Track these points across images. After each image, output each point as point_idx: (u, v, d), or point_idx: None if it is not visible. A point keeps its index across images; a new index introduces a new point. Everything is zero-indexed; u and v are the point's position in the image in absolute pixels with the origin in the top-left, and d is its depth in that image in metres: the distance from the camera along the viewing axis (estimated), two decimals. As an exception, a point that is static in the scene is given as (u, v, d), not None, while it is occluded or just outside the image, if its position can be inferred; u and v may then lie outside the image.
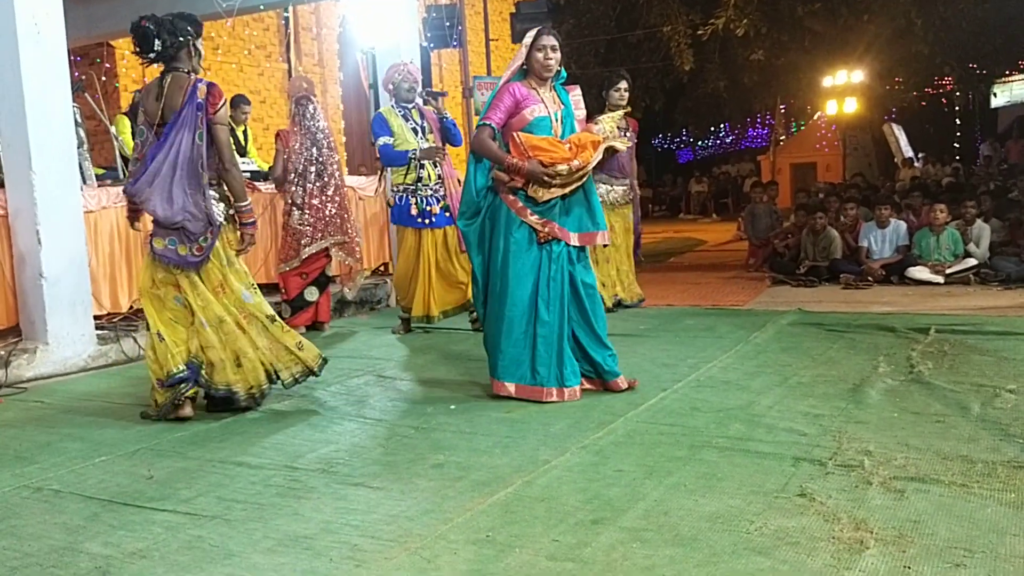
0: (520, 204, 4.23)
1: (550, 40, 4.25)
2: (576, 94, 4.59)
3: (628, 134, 6.78)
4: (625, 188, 6.96)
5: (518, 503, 2.88)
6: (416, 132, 6.13)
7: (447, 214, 6.15)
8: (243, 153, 7.93)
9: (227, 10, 7.32)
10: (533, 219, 4.21)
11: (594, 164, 4.23)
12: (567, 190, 4.21)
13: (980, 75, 18.58)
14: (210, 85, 4.17)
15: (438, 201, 6.17)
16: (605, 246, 4.50)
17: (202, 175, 4.09)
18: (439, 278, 6.23)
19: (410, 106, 6.22)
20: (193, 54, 4.23)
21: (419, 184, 6.13)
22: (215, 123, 4.12)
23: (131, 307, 6.31)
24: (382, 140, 6.10)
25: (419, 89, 6.31)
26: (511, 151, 4.22)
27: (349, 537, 2.66)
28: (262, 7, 9.63)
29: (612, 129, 4.87)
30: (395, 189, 6.24)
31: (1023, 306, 6.37)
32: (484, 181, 4.36)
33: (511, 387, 4.25)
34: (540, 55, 4.23)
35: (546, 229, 4.20)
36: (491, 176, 4.31)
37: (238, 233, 4.29)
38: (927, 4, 14.07)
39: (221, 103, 4.13)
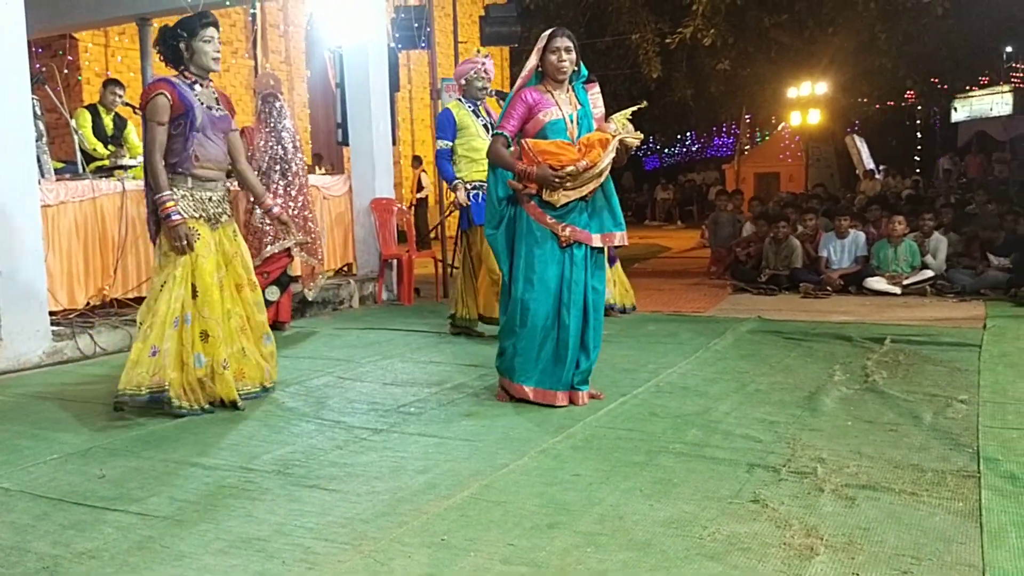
0: (539, 209, 4.19)
1: (564, 42, 4.20)
2: (595, 92, 4.55)
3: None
4: None
5: (474, 506, 2.88)
6: (487, 129, 5.93)
7: None
8: (116, 144, 7.60)
9: (192, 5, 7.22)
10: (552, 223, 4.17)
11: (607, 162, 4.14)
12: (584, 191, 4.17)
13: (941, 90, 18.94)
14: (151, 83, 4.29)
15: None
16: (624, 246, 4.48)
17: (147, 174, 4.22)
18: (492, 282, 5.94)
19: (478, 103, 6.08)
20: (190, 55, 4.23)
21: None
22: (145, 119, 4.18)
23: (88, 303, 6.21)
24: (441, 144, 6.01)
25: (490, 87, 6.16)
26: (522, 159, 4.19)
27: (302, 539, 2.64)
28: (228, 3, 9.54)
29: (624, 125, 4.84)
30: (470, 186, 5.98)
31: (977, 318, 6.50)
32: (504, 190, 4.34)
33: (529, 390, 4.20)
34: (554, 57, 4.19)
35: (567, 232, 4.16)
36: (508, 185, 4.29)
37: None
38: (891, 19, 14.31)
39: (147, 99, 4.15)
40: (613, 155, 4.16)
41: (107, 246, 6.33)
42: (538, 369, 4.20)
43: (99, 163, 7.11)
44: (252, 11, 12.90)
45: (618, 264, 7.09)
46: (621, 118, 4.50)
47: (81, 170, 6.64)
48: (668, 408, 4.10)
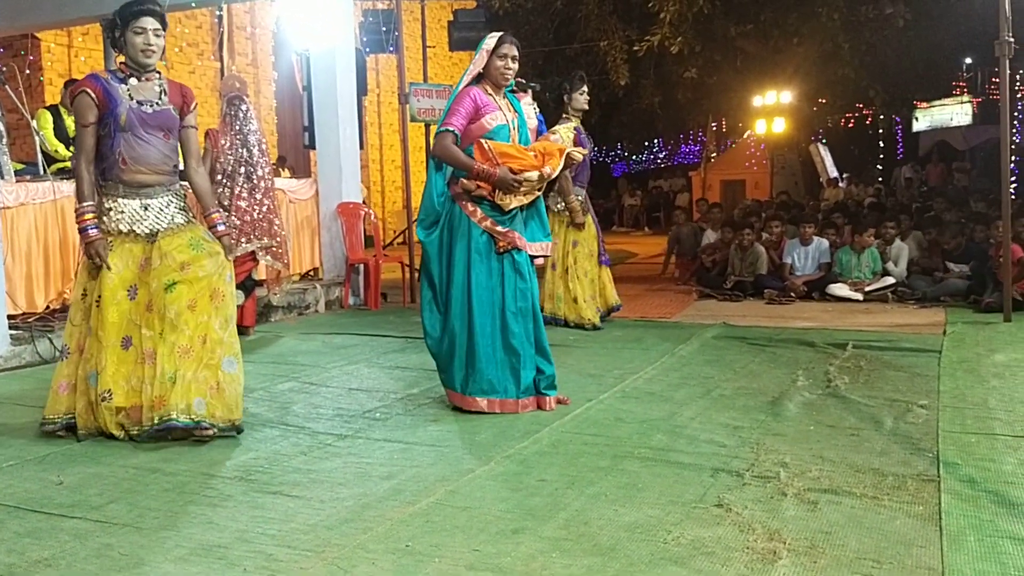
0: (480, 213, 4.16)
1: (512, 50, 4.20)
2: (528, 102, 4.57)
3: (586, 140, 6.80)
4: (582, 198, 6.89)
5: (440, 512, 2.87)
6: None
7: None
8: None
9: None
10: (496, 228, 4.15)
11: (558, 172, 4.21)
12: (529, 199, 4.19)
13: (903, 100, 19.22)
14: (78, 81, 4.03)
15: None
16: (546, 257, 4.45)
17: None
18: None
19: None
20: (123, 45, 3.81)
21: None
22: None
23: (47, 307, 6.11)
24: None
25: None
26: (476, 158, 4.13)
27: (264, 547, 2.61)
28: (194, 4, 9.45)
29: (569, 138, 4.86)
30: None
31: (937, 324, 6.60)
32: (444, 188, 4.25)
33: (483, 402, 4.14)
34: (501, 63, 4.18)
35: (510, 238, 4.16)
36: (457, 184, 4.19)
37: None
38: (854, 30, 14.51)
39: (72, 96, 3.86)
40: (562, 167, 4.22)
41: (68, 249, 6.23)
42: (492, 379, 4.14)
43: (60, 165, 7.01)
44: (219, 13, 12.80)
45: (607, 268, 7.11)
46: (566, 132, 4.53)
47: (42, 171, 6.54)
48: (634, 413, 4.11)
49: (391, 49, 9.83)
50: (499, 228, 4.16)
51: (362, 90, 9.09)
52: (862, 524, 2.71)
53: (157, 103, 3.84)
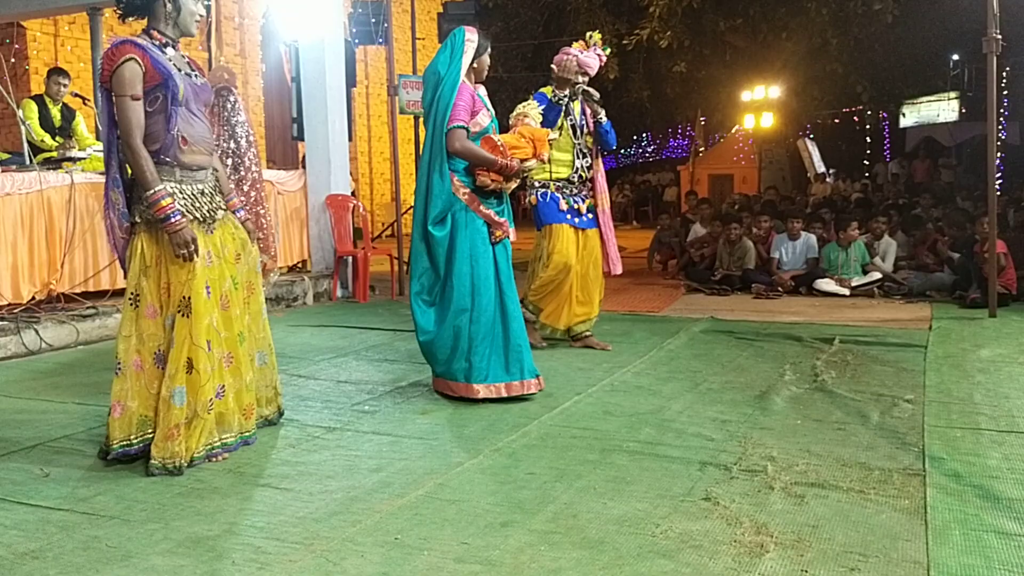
0: (483, 206, 4.27)
1: (491, 51, 4.45)
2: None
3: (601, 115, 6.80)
4: None
5: (428, 505, 2.87)
6: (575, 130, 5.53)
7: (591, 216, 5.57)
8: (64, 135, 7.41)
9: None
10: (494, 218, 4.28)
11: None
12: (514, 185, 4.37)
13: (890, 95, 19.28)
14: (113, 46, 3.30)
15: (583, 200, 5.55)
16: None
17: (109, 168, 3.40)
18: (578, 288, 5.57)
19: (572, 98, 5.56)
20: (173, 9, 3.36)
21: (568, 181, 5.51)
22: (112, 94, 3.29)
23: (33, 298, 6.06)
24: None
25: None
26: (487, 151, 4.24)
27: (253, 539, 2.61)
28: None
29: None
30: (536, 185, 5.53)
31: (923, 319, 6.64)
32: (447, 184, 4.24)
33: (491, 388, 4.20)
34: (489, 62, 4.41)
35: (504, 228, 4.30)
36: (475, 181, 4.24)
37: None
38: (842, 26, 14.53)
39: (113, 68, 3.23)
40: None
41: (54, 239, 6.19)
42: (496, 365, 4.23)
43: (47, 155, 6.95)
44: (207, 3, 12.72)
45: None
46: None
47: (28, 161, 6.48)
48: (622, 407, 4.12)
49: (380, 41, 9.78)
50: (496, 218, 4.29)
51: (351, 82, 9.05)
52: (848, 518, 2.73)
53: (197, 75, 3.46)
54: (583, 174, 5.54)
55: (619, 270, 5.76)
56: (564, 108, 5.40)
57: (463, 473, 3.19)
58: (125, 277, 3.40)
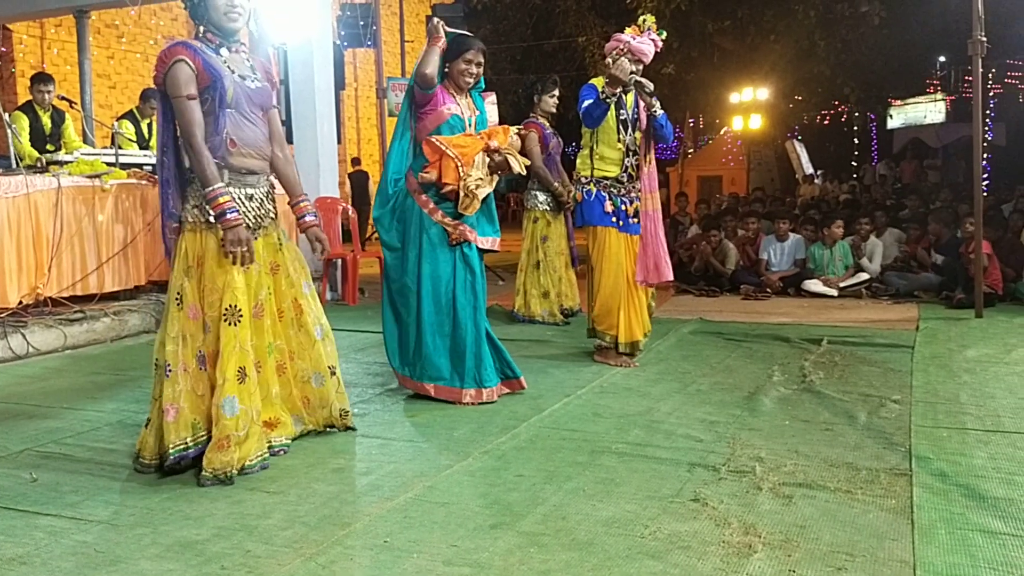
0: (432, 204, 4.25)
1: (477, 56, 4.29)
2: (492, 100, 4.62)
3: (551, 136, 6.82)
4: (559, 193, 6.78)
5: (418, 508, 2.87)
6: (626, 126, 5.11)
7: (635, 221, 5.16)
8: (55, 141, 7.37)
9: (132, 1, 7.08)
10: (446, 220, 4.24)
11: (512, 163, 4.28)
12: (486, 192, 4.24)
13: (877, 97, 19.39)
14: (166, 49, 3.31)
15: (632, 202, 5.15)
16: (495, 251, 4.53)
17: (163, 167, 3.39)
18: (635, 294, 5.16)
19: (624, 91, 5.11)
20: (204, 9, 3.30)
21: (617, 180, 5.12)
22: (168, 96, 3.28)
23: (20, 302, 6.03)
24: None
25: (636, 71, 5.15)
26: (426, 153, 4.21)
27: (242, 542, 2.60)
28: (171, -4, 9.37)
29: (494, 112, 4.87)
30: (583, 181, 5.21)
31: (910, 320, 6.67)
32: (400, 168, 4.30)
33: (430, 387, 4.25)
34: (464, 66, 4.27)
35: (458, 231, 4.24)
36: (418, 177, 4.24)
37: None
38: (830, 28, 14.62)
39: (164, 71, 3.25)
40: (512, 149, 4.30)
41: (41, 243, 6.16)
42: (439, 367, 4.24)
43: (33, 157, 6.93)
44: None
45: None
46: (512, 131, 4.56)
47: (15, 164, 6.46)
48: (611, 408, 4.14)
49: (369, 43, 9.78)
50: (450, 220, 4.25)
51: (340, 84, 9.06)
52: (836, 518, 2.75)
53: (254, 78, 3.41)
54: (632, 172, 5.13)
55: (662, 278, 5.16)
56: (613, 104, 4.99)
57: (452, 475, 3.20)
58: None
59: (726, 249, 8.87)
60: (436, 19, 4.43)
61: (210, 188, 3.21)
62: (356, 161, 16.70)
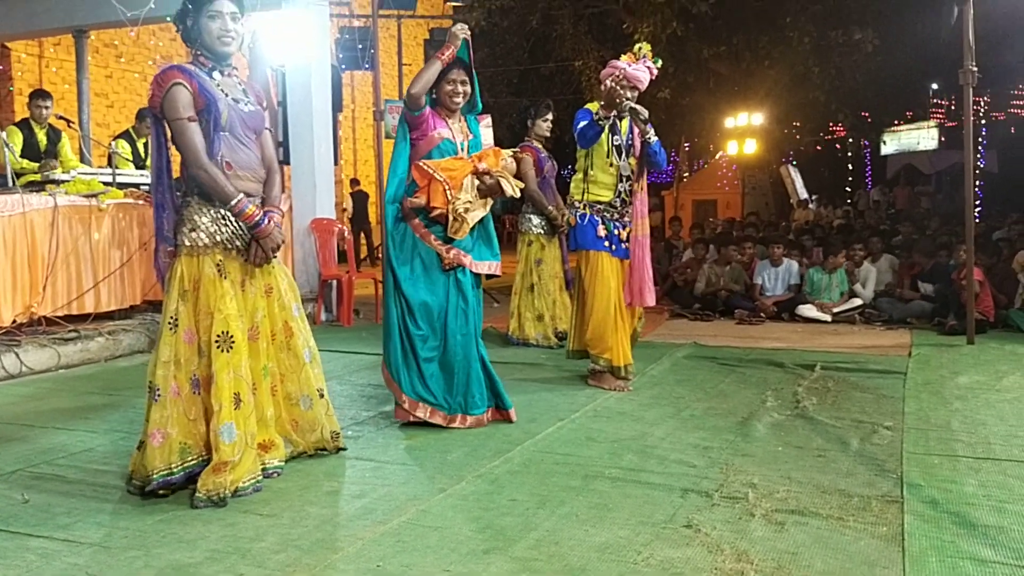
0: (424, 228, 4.24)
1: (460, 75, 4.26)
2: (487, 123, 4.63)
3: (546, 160, 6.87)
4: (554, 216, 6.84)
5: (411, 532, 2.87)
6: (620, 151, 5.21)
7: (626, 246, 5.23)
8: (50, 158, 7.36)
9: (131, 19, 7.13)
10: (437, 244, 4.23)
11: (505, 184, 4.26)
12: (478, 217, 4.24)
13: (871, 123, 19.54)
14: (161, 72, 3.34)
15: (624, 227, 5.24)
16: (496, 276, 4.50)
17: (158, 190, 3.43)
18: (622, 319, 5.22)
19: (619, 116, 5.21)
20: (196, 34, 3.34)
21: (610, 205, 5.20)
22: (165, 120, 3.31)
23: (14, 321, 6.03)
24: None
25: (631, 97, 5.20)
26: (415, 178, 4.21)
27: (235, 566, 2.60)
28: (169, 18, 9.42)
29: (490, 135, 4.86)
30: (577, 205, 5.26)
31: (903, 346, 6.70)
32: (397, 193, 4.30)
33: (420, 412, 4.21)
34: (449, 87, 4.26)
35: (451, 255, 4.22)
36: (407, 202, 4.24)
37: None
38: (824, 54, 14.74)
39: (162, 94, 3.27)
40: (505, 172, 4.29)
41: (36, 262, 6.17)
42: (429, 391, 4.21)
43: (30, 177, 6.94)
44: (235, 15, 12.78)
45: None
46: (505, 154, 4.58)
47: (11, 183, 6.47)
48: (605, 433, 4.14)
49: (367, 66, 9.84)
50: (439, 243, 4.23)
51: (337, 106, 9.10)
52: (827, 545, 2.75)
53: (247, 102, 3.44)
54: (626, 198, 5.20)
55: (645, 302, 5.19)
56: (606, 128, 5.04)
57: (446, 499, 3.20)
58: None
59: (738, 270, 8.97)
60: (460, 24, 4.36)
61: (235, 201, 3.28)
62: (355, 182, 16.78)
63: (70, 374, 5.74)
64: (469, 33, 4.33)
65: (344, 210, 15.63)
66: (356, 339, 7.13)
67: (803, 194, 21.58)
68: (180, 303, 3.29)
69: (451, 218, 4.16)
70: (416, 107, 4.22)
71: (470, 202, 4.17)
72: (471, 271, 4.29)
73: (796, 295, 8.58)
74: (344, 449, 3.78)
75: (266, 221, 3.33)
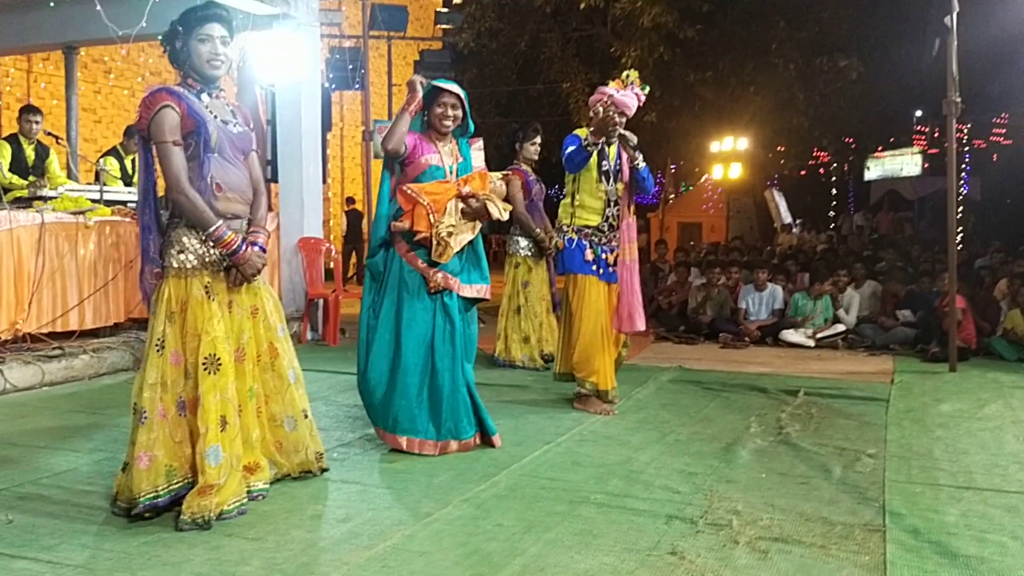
0: (412, 253, 4.24)
1: (451, 98, 4.27)
2: (479, 146, 4.65)
3: (534, 183, 6.90)
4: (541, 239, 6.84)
5: (397, 557, 2.88)
6: (607, 177, 5.24)
7: (614, 270, 5.25)
8: (38, 174, 7.37)
9: (123, 37, 7.14)
10: (423, 267, 4.22)
11: (491, 208, 4.26)
12: (464, 241, 4.24)
13: (854, 149, 19.77)
14: (149, 94, 3.35)
15: (612, 251, 5.27)
16: (485, 300, 4.50)
17: (144, 211, 3.43)
18: (609, 343, 5.27)
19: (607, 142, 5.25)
20: (186, 56, 3.36)
21: (598, 229, 5.24)
22: (152, 142, 3.32)
23: (-1, 337, 6.01)
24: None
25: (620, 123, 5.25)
26: (400, 203, 4.20)
27: (221, 590, 2.60)
28: (160, 37, 9.44)
29: (480, 157, 4.88)
30: (564, 229, 5.32)
31: (885, 372, 6.76)
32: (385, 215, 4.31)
33: (403, 440, 4.18)
34: (440, 111, 4.27)
35: (438, 278, 4.22)
36: (391, 225, 4.25)
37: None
38: (809, 81, 14.94)
39: (150, 115, 3.27)
40: (492, 195, 4.31)
41: (22, 279, 6.15)
42: (413, 419, 4.18)
43: (17, 193, 6.93)
44: (225, 39, 12.80)
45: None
46: (493, 177, 4.61)
47: (-1, 199, 6.45)
48: (591, 457, 4.16)
49: (357, 86, 9.89)
50: (425, 266, 4.21)
51: (327, 126, 9.14)
52: (810, 574, 2.78)
53: (236, 123, 3.47)
54: (613, 222, 5.24)
55: (635, 328, 5.19)
56: (594, 153, 5.09)
57: (431, 524, 3.20)
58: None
59: (724, 294, 9.03)
60: (416, 77, 4.41)
61: (213, 228, 3.28)
62: (350, 200, 16.82)
63: (54, 392, 5.70)
64: (425, 82, 4.34)
65: (327, 223, 15.71)
66: (342, 359, 7.11)
67: (787, 218, 21.73)
68: (167, 325, 3.29)
69: (434, 242, 4.17)
70: (395, 157, 4.25)
71: (453, 226, 4.18)
72: (458, 295, 4.29)
73: (780, 320, 8.64)
74: (327, 470, 3.78)
75: (244, 248, 3.34)
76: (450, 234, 4.18)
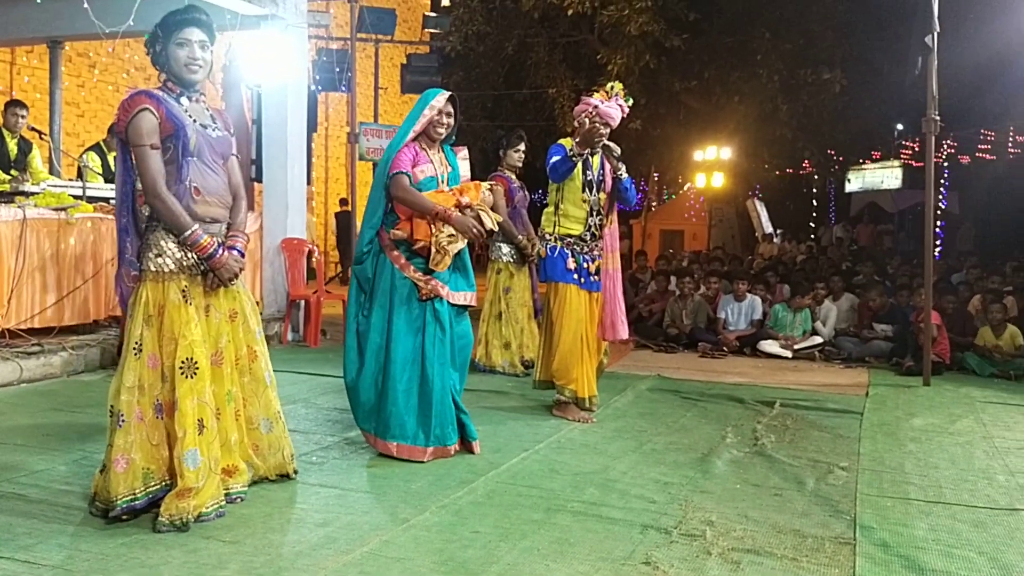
0: (404, 260, 4.26)
1: (448, 106, 4.33)
2: (463, 155, 4.69)
3: (517, 190, 6.93)
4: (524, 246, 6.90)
5: (373, 563, 2.90)
6: (591, 187, 5.30)
7: (595, 279, 5.33)
8: (20, 168, 7.33)
9: (109, 34, 7.12)
10: (416, 275, 4.24)
11: (486, 219, 4.31)
12: (459, 247, 4.27)
13: (836, 161, 19.92)
14: (129, 97, 3.37)
15: (594, 260, 5.34)
16: (471, 307, 4.53)
17: (120, 215, 3.44)
18: (588, 352, 5.33)
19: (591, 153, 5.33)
20: (165, 60, 3.36)
21: (580, 239, 5.29)
22: (130, 145, 3.33)
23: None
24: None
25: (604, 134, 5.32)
26: (398, 211, 4.25)
27: (198, 594, 2.62)
28: (148, 36, 9.42)
29: (466, 166, 4.93)
30: (547, 238, 5.37)
31: (860, 385, 6.84)
32: (372, 231, 4.32)
33: (393, 446, 4.19)
34: (436, 117, 4.31)
35: (429, 286, 4.24)
36: (386, 234, 4.28)
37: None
38: (792, 93, 15.05)
39: (128, 118, 3.29)
40: (484, 205, 4.35)
41: (2, 274, 6.12)
42: (402, 425, 4.19)
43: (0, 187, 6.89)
44: (205, 44, 12.76)
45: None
46: (484, 187, 4.66)
47: (-17, 195, 6.43)
48: (568, 465, 4.20)
49: (343, 88, 9.90)
50: (421, 276, 4.25)
51: (312, 127, 9.14)
52: (781, 585, 2.83)
53: (215, 127, 3.48)
54: (596, 232, 5.30)
55: (618, 336, 5.32)
56: (579, 163, 5.18)
57: (409, 530, 3.23)
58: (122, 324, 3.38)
59: (698, 303, 9.10)
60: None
61: (188, 232, 3.29)
62: (344, 201, 16.77)
63: (32, 388, 5.68)
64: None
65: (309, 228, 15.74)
66: (323, 360, 7.13)
67: (768, 228, 21.90)
68: (144, 328, 3.31)
69: (434, 250, 4.20)
70: None
71: (452, 235, 4.22)
72: (448, 302, 4.31)
73: (758, 330, 8.72)
74: (296, 472, 3.79)
75: (220, 252, 3.36)
76: (449, 243, 4.21)
